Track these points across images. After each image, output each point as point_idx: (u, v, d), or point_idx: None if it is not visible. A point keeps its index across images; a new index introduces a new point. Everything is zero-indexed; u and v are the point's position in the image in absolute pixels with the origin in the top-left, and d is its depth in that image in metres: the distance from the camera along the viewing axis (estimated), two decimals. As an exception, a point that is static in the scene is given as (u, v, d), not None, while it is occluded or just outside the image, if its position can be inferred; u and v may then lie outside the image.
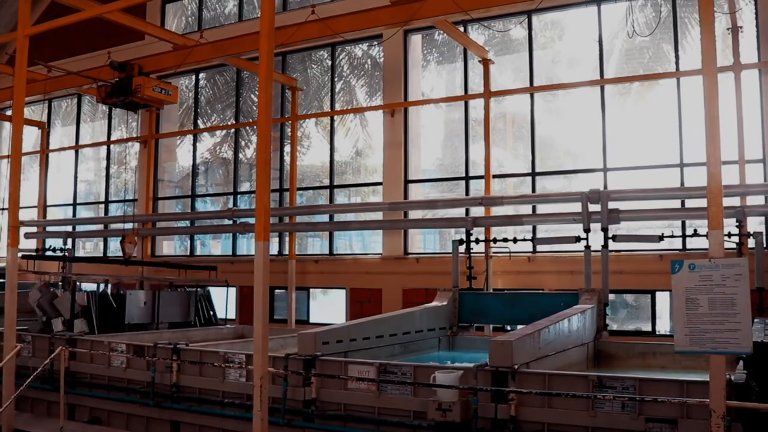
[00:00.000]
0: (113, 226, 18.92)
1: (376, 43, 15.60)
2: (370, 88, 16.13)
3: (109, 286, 12.59)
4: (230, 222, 16.11)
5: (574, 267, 11.78)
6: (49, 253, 18.04)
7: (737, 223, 10.60)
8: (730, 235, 10.36)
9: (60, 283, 11.94)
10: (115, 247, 20.07)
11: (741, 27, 11.75)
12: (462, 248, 12.16)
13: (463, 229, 12.76)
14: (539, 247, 12.95)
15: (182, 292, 13.22)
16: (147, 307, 12.17)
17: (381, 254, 14.87)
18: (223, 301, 14.23)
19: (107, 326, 11.35)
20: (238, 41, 12.70)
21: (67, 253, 15.91)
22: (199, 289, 13.45)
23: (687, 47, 12.61)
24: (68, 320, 10.92)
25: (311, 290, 15.64)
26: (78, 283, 11.74)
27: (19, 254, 10.41)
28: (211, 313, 13.59)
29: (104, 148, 20.09)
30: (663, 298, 12.09)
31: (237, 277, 15.21)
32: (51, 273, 12.87)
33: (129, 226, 18.18)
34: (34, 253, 15.35)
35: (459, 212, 13.96)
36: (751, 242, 10.63)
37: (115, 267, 15.01)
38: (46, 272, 13.09)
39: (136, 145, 19.05)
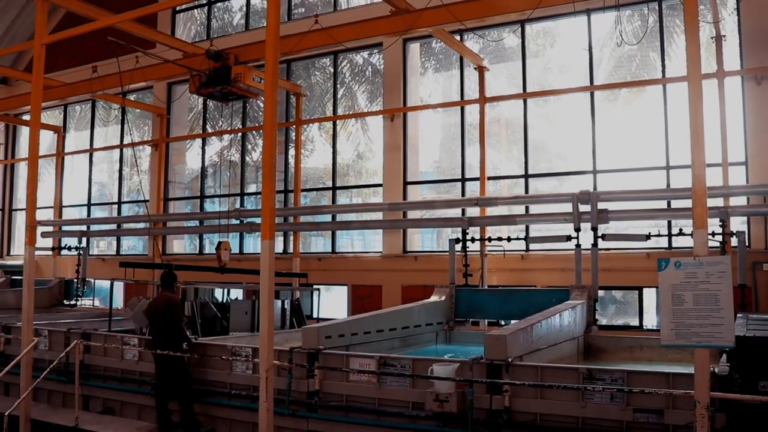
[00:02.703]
0: (126, 225, 18.98)
1: (376, 51, 15.59)
2: (371, 94, 16.13)
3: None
4: (237, 222, 16.10)
5: (565, 264, 11.78)
6: (65, 252, 18.07)
7: (721, 223, 10.62)
8: (713, 234, 10.37)
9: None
10: (127, 245, 20.08)
11: (724, 36, 11.74)
12: (458, 247, 12.16)
13: (460, 229, 12.76)
14: (532, 246, 12.94)
15: (278, 301, 12.44)
16: (248, 316, 11.49)
17: (381, 252, 14.86)
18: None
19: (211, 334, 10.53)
20: (244, 49, 12.68)
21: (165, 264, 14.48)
22: (290, 299, 12.82)
23: (673, 55, 12.61)
24: None
25: (314, 287, 15.63)
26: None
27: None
28: (304, 323, 12.76)
29: (117, 151, 20.08)
30: (650, 295, 12.09)
31: (243, 275, 15.20)
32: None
33: (141, 225, 18.23)
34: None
35: (455, 212, 13.95)
36: (733, 241, 10.63)
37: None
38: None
39: (148, 148, 19.07)
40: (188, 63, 12.45)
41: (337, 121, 16.22)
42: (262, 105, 16.30)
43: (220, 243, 12.07)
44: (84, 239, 18.39)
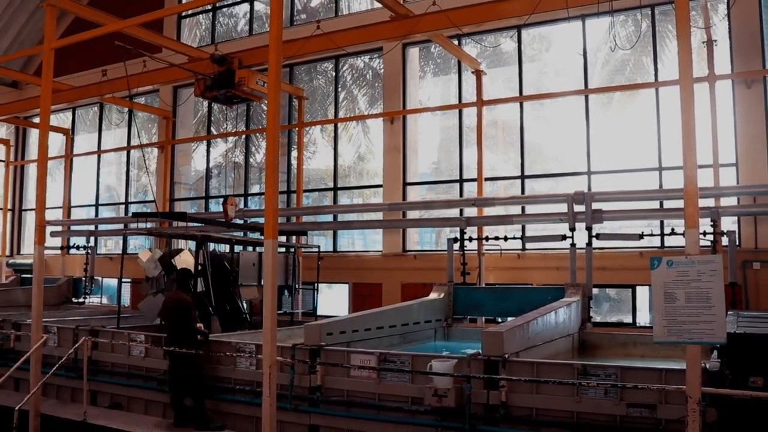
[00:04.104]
0: (133, 225, 18.96)
1: (376, 55, 15.59)
2: (371, 97, 16.12)
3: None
4: (241, 221, 16.09)
5: (560, 263, 11.77)
6: (73, 251, 18.08)
7: (712, 223, 10.62)
8: (705, 233, 10.37)
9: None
10: (134, 245, 20.06)
11: (715, 41, 11.74)
12: (456, 246, 12.15)
13: (458, 228, 12.76)
14: (528, 245, 12.94)
15: (282, 255, 12.31)
16: (256, 268, 11.46)
17: (381, 251, 14.86)
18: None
19: (220, 287, 10.67)
20: (248, 54, 12.67)
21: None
22: (292, 252, 12.58)
23: (665, 59, 12.60)
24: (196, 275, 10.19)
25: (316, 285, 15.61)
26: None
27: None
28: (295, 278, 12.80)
29: (125, 152, 20.08)
30: (643, 292, 12.08)
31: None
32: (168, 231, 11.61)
33: (149, 225, 18.20)
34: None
35: (453, 212, 13.95)
36: (724, 240, 10.63)
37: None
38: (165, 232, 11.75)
39: (154, 150, 19.06)
40: (193, 67, 12.43)
41: (339, 124, 16.21)
42: (265, 108, 16.30)
43: (226, 198, 11.86)
44: (92, 239, 18.41)
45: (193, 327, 8.63)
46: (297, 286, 12.96)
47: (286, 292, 12.74)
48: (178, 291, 8.93)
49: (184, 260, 10.81)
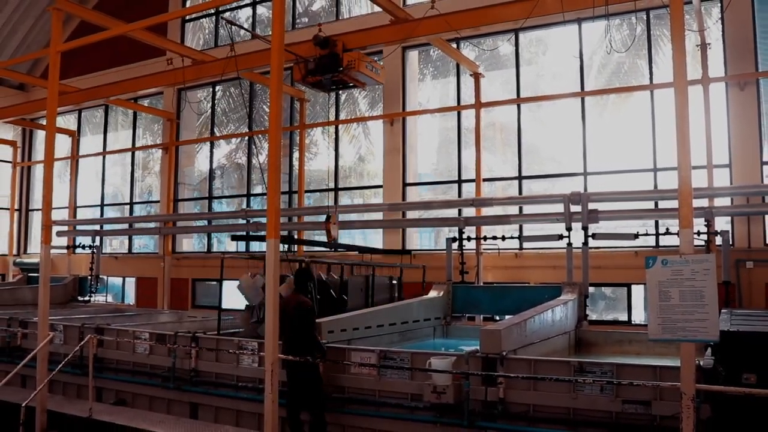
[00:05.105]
0: (137, 225, 18.99)
1: (376, 58, 15.57)
2: (372, 99, 16.13)
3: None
4: (244, 221, 16.09)
5: (557, 262, 11.77)
6: (79, 250, 18.06)
7: (706, 223, 10.62)
8: (699, 233, 10.38)
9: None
10: (138, 244, 20.06)
11: (709, 44, 11.74)
12: (455, 245, 12.16)
13: (456, 228, 12.76)
14: (525, 245, 12.94)
15: (383, 279, 11.68)
16: (363, 294, 10.72)
17: (381, 251, 14.85)
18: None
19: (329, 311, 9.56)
20: (250, 57, 12.67)
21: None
22: (393, 278, 12.00)
23: (660, 62, 12.61)
24: None
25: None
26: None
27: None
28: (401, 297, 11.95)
29: (129, 153, 20.08)
30: (638, 291, 12.09)
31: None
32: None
33: (152, 225, 18.22)
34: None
35: (452, 212, 13.95)
36: (718, 240, 10.63)
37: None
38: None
39: (159, 152, 19.05)
40: (295, 50, 11.25)
41: (340, 126, 16.21)
42: (268, 109, 16.31)
43: (328, 216, 10.81)
44: (97, 238, 18.41)
45: (315, 336, 7.50)
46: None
47: None
48: (296, 293, 7.70)
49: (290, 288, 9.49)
